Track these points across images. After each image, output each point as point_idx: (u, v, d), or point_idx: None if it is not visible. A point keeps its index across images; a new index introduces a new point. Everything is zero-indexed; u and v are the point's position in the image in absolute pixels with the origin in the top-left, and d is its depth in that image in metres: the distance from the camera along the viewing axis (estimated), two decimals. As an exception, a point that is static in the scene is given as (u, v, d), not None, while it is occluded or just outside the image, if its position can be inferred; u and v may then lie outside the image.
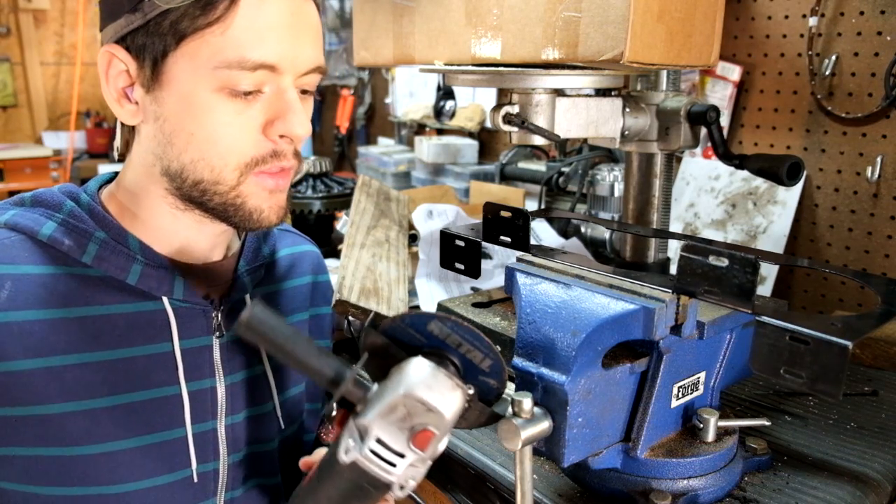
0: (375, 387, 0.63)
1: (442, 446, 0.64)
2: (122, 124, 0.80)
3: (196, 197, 0.75)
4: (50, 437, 0.71)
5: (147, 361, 0.75)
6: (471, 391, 0.64)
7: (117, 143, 0.82)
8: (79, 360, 0.72)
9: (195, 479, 0.78)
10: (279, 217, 0.78)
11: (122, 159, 0.82)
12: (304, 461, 0.83)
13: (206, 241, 0.82)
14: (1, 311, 0.69)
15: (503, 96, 1.01)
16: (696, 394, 0.81)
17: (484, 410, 0.67)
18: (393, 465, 0.62)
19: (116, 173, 0.83)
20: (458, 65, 1.07)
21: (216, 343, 0.80)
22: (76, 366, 0.72)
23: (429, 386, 0.61)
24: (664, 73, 1.08)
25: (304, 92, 0.77)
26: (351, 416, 0.63)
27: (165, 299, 0.77)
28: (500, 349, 0.66)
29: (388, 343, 0.66)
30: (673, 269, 0.95)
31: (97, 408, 0.72)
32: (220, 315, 0.81)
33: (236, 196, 0.74)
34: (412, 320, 0.65)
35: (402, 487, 0.63)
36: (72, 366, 0.71)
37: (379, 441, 0.61)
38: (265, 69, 0.70)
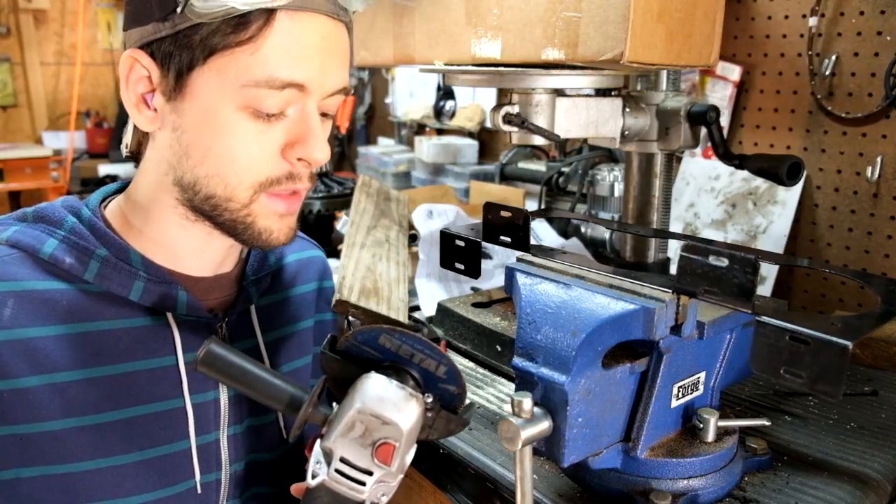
0: (336, 408, 0.63)
1: (409, 458, 0.63)
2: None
3: (206, 210, 0.74)
4: (54, 455, 0.70)
5: (151, 376, 0.75)
6: (429, 400, 0.64)
7: (127, 139, 0.81)
8: (82, 375, 0.71)
9: (199, 490, 0.78)
10: (288, 238, 0.78)
11: (130, 157, 0.82)
12: (294, 487, 0.83)
13: (216, 253, 0.81)
14: (5, 329, 0.69)
15: (503, 96, 1.00)
16: (696, 394, 0.81)
17: (450, 418, 0.67)
18: (361, 483, 0.61)
19: (122, 186, 0.83)
20: (458, 65, 1.07)
21: None
22: (80, 381, 0.71)
23: (381, 399, 0.61)
24: (664, 73, 1.08)
25: (324, 115, 0.77)
26: (317, 439, 0.64)
27: (169, 314, 0.76)
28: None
29: (344, 363, 0.66)
30: (673, 269, 0.94)
31: (101, 423, 0.72)
32: (224, 326, 0.81)
33: (247, 214, 0.74)
34: (364, 337, 0.65)
35: None
36: (76, 382, 0.71)
37: (343, 460, 0.61)
38: (293, 88, 0.70)
